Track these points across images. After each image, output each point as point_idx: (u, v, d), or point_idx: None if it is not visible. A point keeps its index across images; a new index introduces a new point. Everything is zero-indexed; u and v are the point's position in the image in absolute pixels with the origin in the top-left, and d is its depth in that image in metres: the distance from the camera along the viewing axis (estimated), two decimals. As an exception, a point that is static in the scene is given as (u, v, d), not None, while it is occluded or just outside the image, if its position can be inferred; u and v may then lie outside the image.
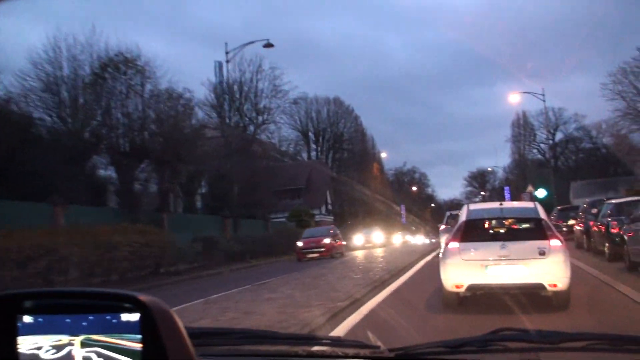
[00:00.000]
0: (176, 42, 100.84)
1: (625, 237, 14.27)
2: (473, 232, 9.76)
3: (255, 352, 2.04)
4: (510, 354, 1.83)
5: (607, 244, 16.53)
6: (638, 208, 15.43)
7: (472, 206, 11.14)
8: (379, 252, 36.81)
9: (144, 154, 32.37)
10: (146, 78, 33.04)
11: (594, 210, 20.26)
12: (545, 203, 54.07)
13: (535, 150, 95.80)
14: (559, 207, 33.70)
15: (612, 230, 16.23)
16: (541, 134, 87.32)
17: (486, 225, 10.25)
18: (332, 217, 63.88)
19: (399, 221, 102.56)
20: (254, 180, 48.36)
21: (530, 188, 47.00)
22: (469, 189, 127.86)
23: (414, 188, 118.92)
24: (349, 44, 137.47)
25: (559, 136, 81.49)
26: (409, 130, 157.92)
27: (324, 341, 2.22)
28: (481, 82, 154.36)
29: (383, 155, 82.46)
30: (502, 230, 9.98)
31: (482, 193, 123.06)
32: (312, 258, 30.66)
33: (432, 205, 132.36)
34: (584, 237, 20.87)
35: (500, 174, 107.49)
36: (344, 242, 36.44)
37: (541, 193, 48.63)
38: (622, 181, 51.04)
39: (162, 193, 35.47)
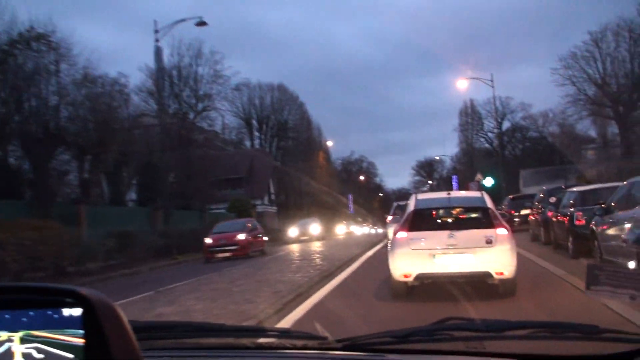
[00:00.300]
0: (122, 31, 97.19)
1: (597, 231, 11.91)
2: (421, 221, 9.75)
3: (201, 345, 1.96)
4: (456, 343, 1.81)
5: (570, 238, 14.17)
6: (606, 197, 13.18)
7: (420, 196, 11.07)
8: (316, 246, 33.72)
9: (60, 140, 28.99)
10: (62, 57, 29.55)
11: (553, 199, 18.01)
12: (494, 192, 52.61)
13: (482, 139, 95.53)
14: (510, 196, 31.51)
15: (578, 223, 13.90)
16: (489, 123, 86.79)
17: (434, 214, 10.35)
18: (276, 208, 61.09)
19: (346, 211, 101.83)
20: (191, 169, 45.49)
21: (479, 176, 45.13)
22: (417, 178, 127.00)
23: (362, 177, 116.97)
24: (297, 34, 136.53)
25: (506, 125, 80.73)
26: (357, 120, 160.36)
27: (271, 333, 2.19)
28: (428, 72, 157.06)
29: (329, 144, 79.77)
30: (449, 220, 10.17)
31: (430, 182, 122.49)
32: (223, 258, 25.80)
33: (381, 194, 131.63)
34: (542, 229, 18.59)
35: (448, 163, 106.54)
36: (265, 238, 30.98)
37: (488, 182, 48.10)
38: (571, 169, 49.49)
39: (82, 183, 32.16)
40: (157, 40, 35.43)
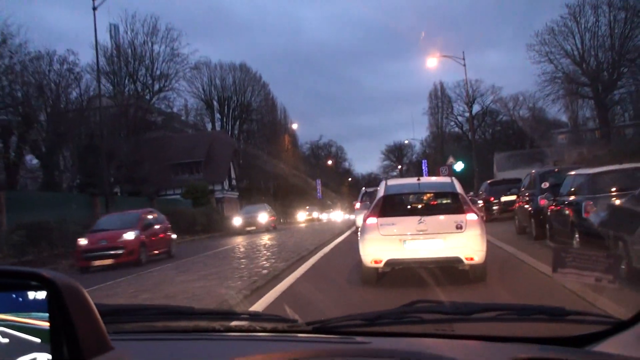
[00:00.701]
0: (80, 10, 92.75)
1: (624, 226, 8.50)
2: (391, 207, 9.64)
3: (170, 328, 1.96)
4: (425, 325, 1.84)
5: (576, 236, 10.80)
6: (626, 182, 9.85)
7: (390, 181, 10.69)
8: (258, 241, 25.95)
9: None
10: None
11: (545, 185, 14.61)
12: (465, 176, 49.41)
13: (452, 123, 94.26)
14: (488, 181, 27.92)
15: (587, 216, 10.49)
16: (458, 107, 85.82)
17: (404, 200, 10.47)
18: (237, 194, 57.22)
19: (315, 196, 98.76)
20: (142, 152, 41.61)
21: (451, 159, 41.86)
22: (386, 162, 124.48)
23: (329, 162, 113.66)
24: (264, 16, 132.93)
25: (476, 109, 77.80)
26: (325, 105, 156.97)
27: (241, 316, 2.16)
28: (397, 56, 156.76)
29: (295, 126, 75.58)
30: (419, 205, 10.23)
31: (400, 167, 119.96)
32: (104, 266, 17.87)
33: (350, 179, 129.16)
34: (532, 220, 15.10)
35: (418, 147, 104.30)
36: (174, 236, 22.27)
37: (459, 166, 45.68)
38: (546, 153, 46.46)
39: (6, 166, 28.16)
40: (94, 9, 31.17)
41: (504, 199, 22.37)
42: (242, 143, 66.91)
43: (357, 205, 24.34)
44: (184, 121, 65.37)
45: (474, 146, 49.43)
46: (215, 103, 66.84)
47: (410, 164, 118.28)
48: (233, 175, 56.87)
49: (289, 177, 75.00)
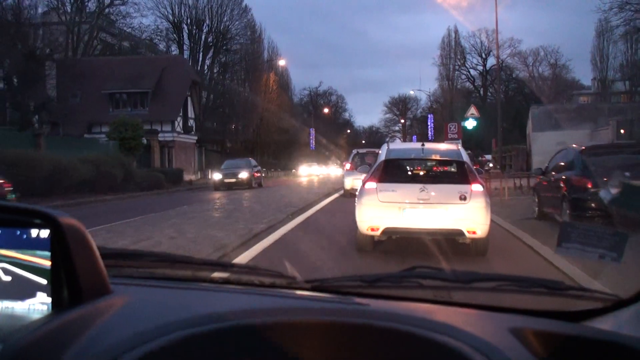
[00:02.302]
0: None
1: None
2: (392, 172, 8.92)
3: (169, 275, 1.90)
4: (423, 291, 1.82)
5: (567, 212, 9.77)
6: None
7: (393, 145, 9.85)
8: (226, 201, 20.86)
9: None
10: None
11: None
12: (479, 137, 38.33)
13: (464, 76, 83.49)
14: (582, 147, 11.71)
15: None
16: (472, 59, 77.96)
17: (406, 166, 9.86)
18: (196, 138, 45.00)
19: (307, 147, 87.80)
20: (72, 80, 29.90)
21: (473, 110, 29.93)
22: (388, 115, 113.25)
23: (326, 110, 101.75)
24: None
25: (490, 62, 71.55)
26: (330, 54, 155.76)
27: (239, 269, 2.14)
28: (408, 9, 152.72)
29: (281, 63, 61.94)
30: (422, 173, 9.72)
31: (403, 121, 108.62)
32: None
33: (349, 131, 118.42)
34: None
35: (424, 101, 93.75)
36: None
37: (470, 124, 38.83)
38: (601, 110, 34.08)
39: None
40: None
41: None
42: (216, 77, 54.36)
43: (347, 166, 21.87)
44: (150, 46, 52.73)
45: (499, 98, 37.57)
46: (184, 27, 53.38)
47: (415, 119, 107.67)
48: (192, 114, 44.37)
49: (274, 123, 62.96)
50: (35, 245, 1.26)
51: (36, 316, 1.26)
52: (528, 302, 1.73)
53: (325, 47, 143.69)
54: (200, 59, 53.42)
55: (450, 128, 37.34)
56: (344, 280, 1.84)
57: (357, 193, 9.28)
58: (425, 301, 1.73)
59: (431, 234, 8.35)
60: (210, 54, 54.26)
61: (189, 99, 42.95)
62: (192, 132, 43.86)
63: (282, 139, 72.43)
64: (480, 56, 78.81)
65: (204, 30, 52.72)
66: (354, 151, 23.58)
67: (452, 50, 78.78)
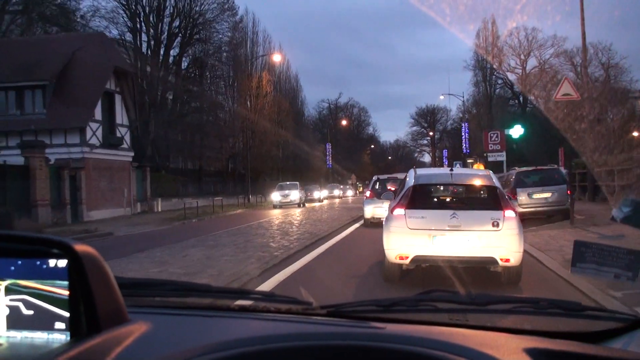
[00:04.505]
0: None
1: None
2: (421, 198, 8.42)
3: (185, 304, 1.88)
4: (439, 314, 1.78)
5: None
6: None
7: (420, 170, 9.43)
8: None
9: None
10: None
11: None
12: (529, 148, 38.86)
13: (500, 82, 67.29)
14: None
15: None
16: (510, 60, 62.36)
17: (435, 191, 9.45)
18: (132, 156, 30.08)
19: (323, 165, 75.36)
20: None
21: (567, 86, 15.88)
22: (415, 128, 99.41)
23: (344, 122, 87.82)
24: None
25: (531, 64, 59.61)
26: (356, 71, 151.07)
27: (256, 296, 2.05)
28: (434, 23, 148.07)
29: (276, 58, 46.83)
30: (452, 198, 9.32)
31: (431, 133, 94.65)
32: None
33: (373, 146, 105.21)
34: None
35: (454, 112, 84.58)
36: None
37: (517, 131, 35.69)
38: None
39: None
40: None
41: None
42: (180, 73, 39.87)
43: (367, 193, 19.64)
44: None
45: (590, 84, 23.12)
46: (143, 6, 38.47)
47: (445, 131, 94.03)
48: (123, 120, 29.38)
49: (271, 136, 48.63)
50: (54, 275, 1.24)
51: (55, 345, 1.23)
52: (545, 324, 1.70)
53: (351, 64, 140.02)
54: (163, 50, 38.87)
55: (491, 137, 33.87)
56: (359, 305, 1.80)
57: (383, 220, 8.91)
58: (441, 324, 1.69)
59: (463, 262, 7.85)
60: (177, 45, 39.79)
61: (116, 97, 28.43)
62: (124, 147, 29.20)
63: (285, 156, 58.16)
64: (519, 57, 64.76)
65: (167, 13, 38.05)
66: (375, 177, 21.51)
67: (490, 46, 63.86)
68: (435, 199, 9.05)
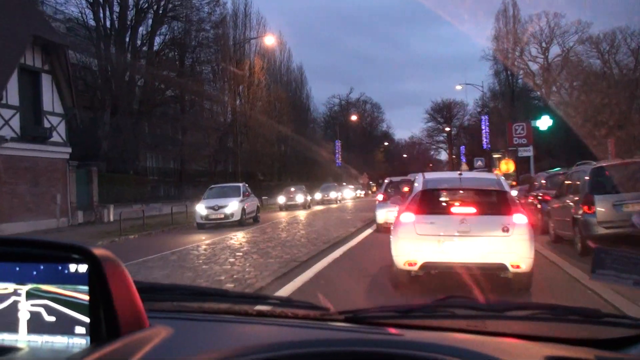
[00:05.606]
0: None
1: None
2: (429, 203, 8.22)
3: (202, 309, 1.84)
4: (457, 320, 1.76)
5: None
6: None
7: (428, 175, 9.40)
8: None
9: None
10: None
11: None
12: (558, 140, 35.28)
13: (521, 72, 59.33)
14: None
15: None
16: (533, 48, 56.32)
17: (444, 196, 8.99)
18: (69, 151, 22.89)
19: (331, 164, 69.02)
20: None
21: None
22: (431, 124, 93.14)
23: (354, 117, 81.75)
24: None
25: (554, 52, 54.31)
26: (369, 68, 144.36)
27: (273, 301, 2.05)
28: (449, 17, 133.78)
29: (270, 41, 39.59)
30: (461, 203, 8.60)
31: (448, 129, 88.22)
32: None
33: (386, 144, 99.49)
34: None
35: (471, 106, 77.61)
36: None
37: (545, 123, 32.78)
38: None
39: None
40: None
41: None
42: (152, 57, 33.27)
43: (379, 197, 18.17)
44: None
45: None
46: None
47: (462, 127, 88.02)
48: (53, 107, 22.34)
49: (264, 131, 42.16)
50: (75, 280, 1.24)
51: (75, 350, 1.24)
52: (564, 331, 1.68)
53: (363, 60, 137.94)
54: (129, 28, 32.09)
55: (516, 130, 32.90)
56: (377, 311, 1.79)
57: (392, 226, 8.73)
58: (459, 331, 1.69)
59: (472, 268, 7.61)
60: (146, 24, 33.17)
61: (43, 78, 21.71)
62: (57, 141, 22.34)
63: (286, 153, 51.72)
64: (540, 45, 57.99)
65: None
66: (387, 180, 20.20)
67: (511, 32, 57.02)
68: (444, 204, 8.56)
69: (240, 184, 23.87)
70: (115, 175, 27.40)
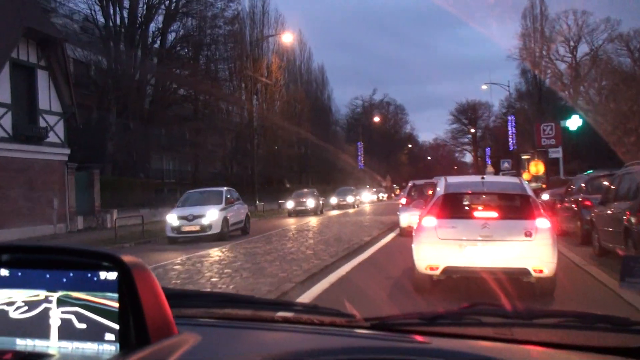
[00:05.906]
0: None
1: None
2: (451, 207, 8.10)
3: (229, 315, 1.86)
4: (484, 328, 1.73)
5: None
6: None
7: (450, 179, 9.02)
8: None
9: None
10: None
11: None
12: (590, 140, 32.26)
13: (549, 72, 56.07)
14: None
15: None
16: (560, 47, 54.50)
17: (466, 200, 8.97)
18: (67, 153, 21.48)
19: (354, 167, 67.73)
20: None
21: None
22: (455, 126, 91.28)
23: (377, 119, 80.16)
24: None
25: (582, 50, 52.62)
26: (395, 71, 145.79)
27: (300, 308, 2.04)
28: (474, 21, 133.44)
29: (287, 38, 37.93)
30: (483, 207, 8.60)
31: (473, 130, 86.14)
32: None
33: (410, 146, 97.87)
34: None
35: (497, 107, 76.74)
36: None
37: (575, 123, 32.01)
38: None
39: None
40: None
41: None
42: (163, 52, 31.85)
43: (402, 200, 17.82)
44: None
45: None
46: None
47: (487, 128, 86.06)
48: (50, 105, 20.75)
49: (283, 132, 40.57)
50: (105, 287, 1.25)
51: (105, 357, 1.24)
52: (592, 339, 1.66)
53: (388, 63, 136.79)
54: (140, 26, 30.76)
55: (544, 130, 32.45)
56: (404, 318, 1.78)
57: (414, 230, 8.67)
58: (486, 339, 1.67)
59: (495, 273, 7.40)
60: (157, 20, 31.77)
61: (39, 74, 20.19)
62: (54, 142, 20.87)
63: (307, 155, 50.13)
64: (568, 44, 55.68)
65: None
66: (410, 183, 19.62)
67: (538, 30, 54.86)
68: (467, 208, 8.58)
69: (224, 189, 19.80)
70: (120, 179, 25.87)
